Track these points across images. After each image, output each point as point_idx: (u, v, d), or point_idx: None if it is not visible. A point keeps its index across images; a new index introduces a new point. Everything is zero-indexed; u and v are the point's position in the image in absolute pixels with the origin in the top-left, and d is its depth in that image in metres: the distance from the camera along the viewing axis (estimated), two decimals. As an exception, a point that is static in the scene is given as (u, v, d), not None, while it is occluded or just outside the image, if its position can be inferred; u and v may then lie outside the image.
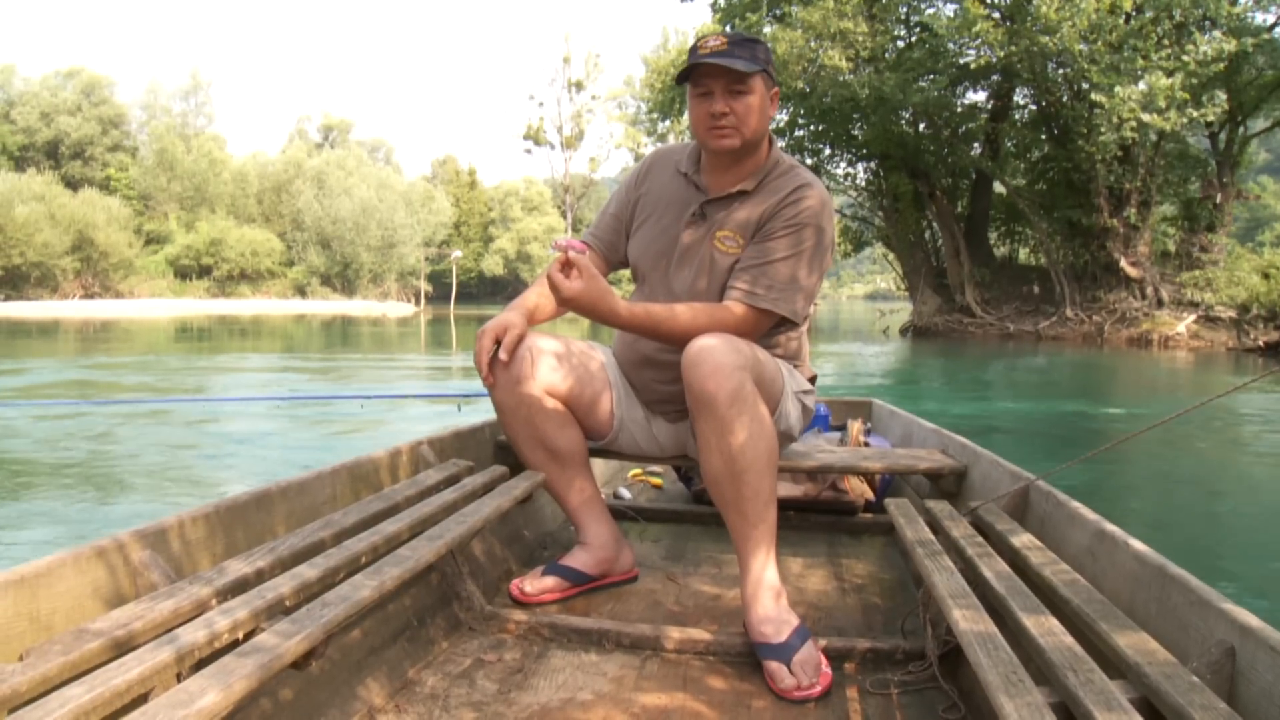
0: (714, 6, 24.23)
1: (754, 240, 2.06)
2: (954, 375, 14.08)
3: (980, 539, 1.84)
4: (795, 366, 2.23)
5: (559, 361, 2.19)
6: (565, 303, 1.91)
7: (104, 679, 1.04)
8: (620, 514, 2.87)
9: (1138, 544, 1.52)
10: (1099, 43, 17.80)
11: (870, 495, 2.99)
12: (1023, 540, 1.77)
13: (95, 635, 1.15)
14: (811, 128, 24.97)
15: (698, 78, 1.99)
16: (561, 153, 66.30)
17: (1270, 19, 19.77)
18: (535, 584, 2.15)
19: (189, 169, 53.50)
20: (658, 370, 2.19)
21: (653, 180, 2.24)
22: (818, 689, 1.66)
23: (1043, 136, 23.00)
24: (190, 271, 51.08)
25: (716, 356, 1.79)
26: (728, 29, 22.55)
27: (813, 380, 2.29)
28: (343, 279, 54.21)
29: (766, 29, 22.06)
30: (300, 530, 1.67)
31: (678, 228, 2.14)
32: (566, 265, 1.88)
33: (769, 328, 2.08)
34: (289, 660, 1.22)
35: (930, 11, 21.33)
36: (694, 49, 1.99)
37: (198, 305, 44.02)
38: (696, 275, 2.11)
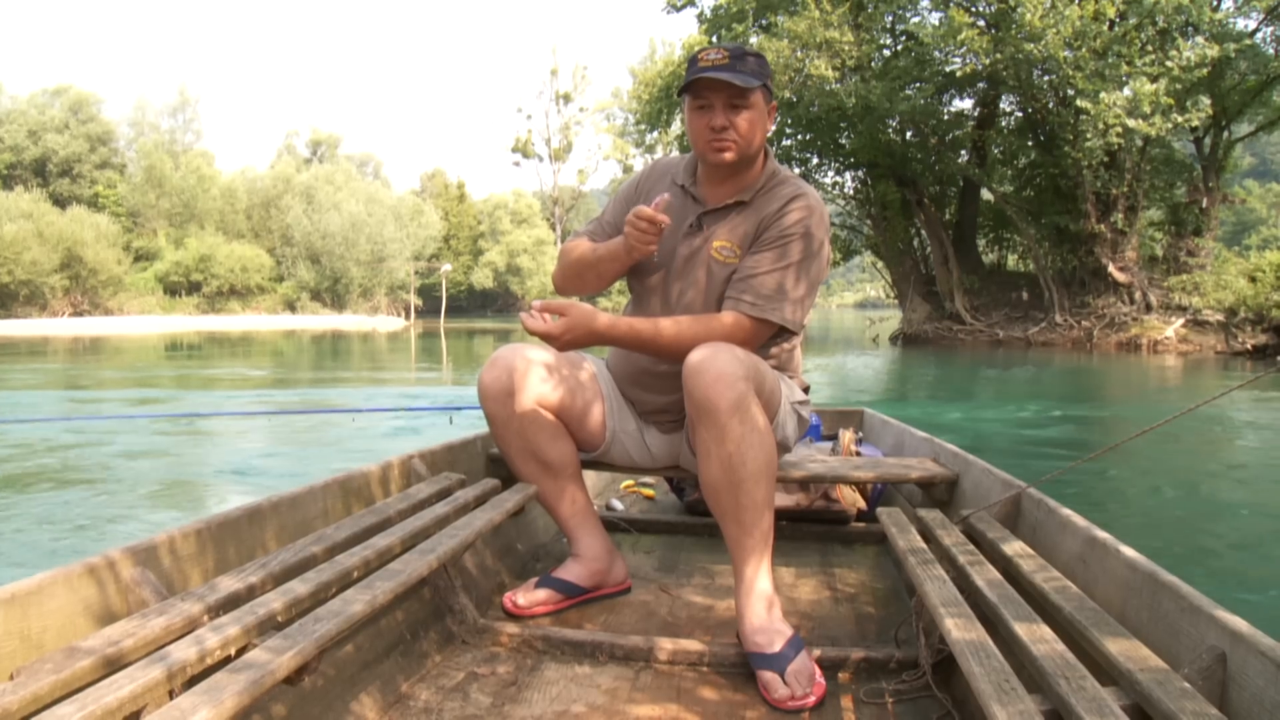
0: (700, 17, 24.32)
1: (750, 250, 2.07)
2: (945, 383, 14.10)
3: (972, 547, 1.84)
4: (789, 377, 2.23)
5: (550, 373, 2.19)
6: (566, 346, 1.97)
7: (95, 697, 1.04)
8: (613, 526, 2.87)
9: (1129, 551, 1.53)
10: (1083, 49, 17.91)
11: (862, 504, 3.00)
12: (1014, 548, 1.78)
13: (86, 653, 1.15)
14: (799, 137, 25.05)
15: (698, 90, 2.00)
16: (550, 165, 66.53)
17: (1252, 24, 19.93)
18: (528, 596, 2.14)
19: (177, 185, 53.20)
20: (654, 382, 2.20)
21: (650, 191, 2.24)
22: (812, 699, 1.66)
23: (1029, 143, 23.11)
24: (180, 288, 50.80)
25: (719, 365, 1.80)
26: (714, 39, 22.64)
27: (806, 390, 2.29)
28: (332, 294, 53.99)
29: (753, 39, 22.14)
30: (292, 545, 1.67)
31: (675, 239, 2.15)
32: (543, 311, 1.93)
33: (768, 337, 2.09)
34: (281, 676, 1.21)
35: (915, 20, 21.44)
36: (693, 61, 1.99)
37: (187, 321, 43.78)
38: (693, 286, 2.12)
